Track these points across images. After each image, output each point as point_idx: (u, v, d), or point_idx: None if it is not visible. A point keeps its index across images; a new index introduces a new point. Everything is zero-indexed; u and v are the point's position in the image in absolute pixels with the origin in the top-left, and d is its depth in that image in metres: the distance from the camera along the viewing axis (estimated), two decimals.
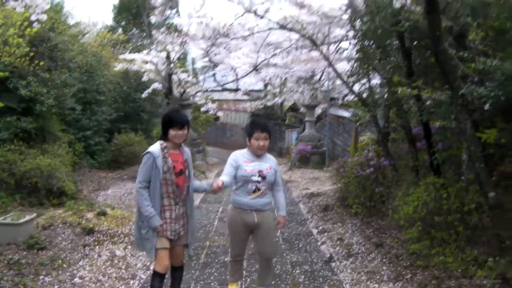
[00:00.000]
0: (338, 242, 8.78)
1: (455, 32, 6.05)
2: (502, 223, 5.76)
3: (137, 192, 5.24)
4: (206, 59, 24.89)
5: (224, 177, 5.49)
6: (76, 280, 6.83)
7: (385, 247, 8.03)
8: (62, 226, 8.95)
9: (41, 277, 6.81)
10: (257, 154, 5.72)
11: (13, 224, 7.98)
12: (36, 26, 9.14)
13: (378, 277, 6.86)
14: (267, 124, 5.85)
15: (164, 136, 5.35)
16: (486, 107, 5.38)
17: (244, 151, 5.80)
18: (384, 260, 7.50)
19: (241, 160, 5.67)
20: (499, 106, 5.63)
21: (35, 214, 8.62)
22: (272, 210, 5.94)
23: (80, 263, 7.51)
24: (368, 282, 6.71)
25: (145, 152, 5.28)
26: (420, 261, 6.84)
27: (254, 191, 5.64)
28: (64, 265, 7.33)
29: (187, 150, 5.62)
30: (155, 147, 5.27)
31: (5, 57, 9.88)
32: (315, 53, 16.99)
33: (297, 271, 7.34)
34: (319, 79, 23.68)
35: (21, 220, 8.06)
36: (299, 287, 6.72)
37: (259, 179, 5.62)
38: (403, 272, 6.81)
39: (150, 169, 5.17)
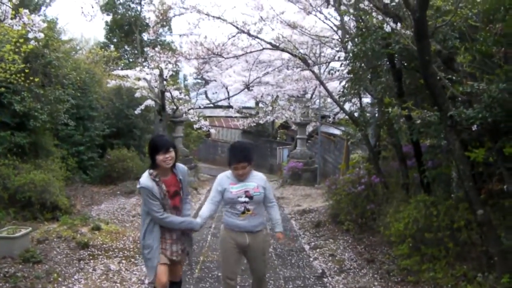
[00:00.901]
0: (330, 258, 8.91)
1: (444, 55, 6.23)
2: (490, 239, 5.90)
3: (165, 219, 5.24)
4: (198, 76, 25.12)
5: (206, 210, 5.54)
6: None
7: (376, 263, 8.18)
8: (57, 240, 9.02)
9: None
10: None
11: (9, 238, 8.06)
12: (32, 43, 9.29)
13: None
14: (245, 153, 5.56)
15: (154, 164, 5.28)
16: (474, 128, 5.55)
17: (229, 173, 5.67)
18: (376, 275, 7.64)
19: (226, 183, 5.57)
20: (487, 127, 5.80)
21: (30, 228, 8.70)
22: (265, 229, 5.84)
23: (76, 276, 7.59)
24: None
25: (139, 187, 5.24)
26: (410, 277, 7.00)
27: (244, 212, 5.53)
28: (60, 279, 7.42)
29: (181, 167, 5.61)
30: (146, 180, 5.21)
31: (0, 73, 9.99)
32: (306, 73, 17.22)
33: (289, 286, 7.46)
34: (311, 97, 23.91)
35: (17, 234, 8.14)
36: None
37: (247, 199, 5.50)
38: None
39: (155, 198, 5.15)
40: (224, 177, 5.65)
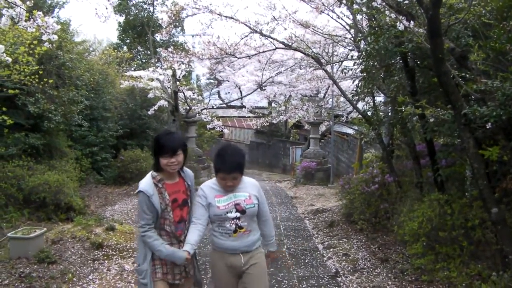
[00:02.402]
0: (344, 257, 8.89)
1: (457, 53, 6.19)
2: (505, 238, 5.86)
3: (144, 237, 4.33)
4: (211, 76, 25.19)
5: (193, 234, 4.41)
6: None
7: (390, 262, 8.15)
8: (71, 241, 9.08)
9: None
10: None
11: (24, 238, 8.10)
12: (46, 45, 9.35)
13: None
14: (238, 161, 4.47)
15: (157, 165, 4.43)
16: (488, 126, 5.52)
17: (213, 182, 4.61)
18: (390, 275, 7.62)
19: (210, 195, 4.49)
20: (501, 125, 5.77)
21: (45, 229, 8.76)
22: (262, 245, 4.85)
23: (90, 277, 7.63)
24: None
25: (138, 191, 4.36)
26: (424, 276, 6.96)
27: (235, 231, 4.48)
28: (74, 279, 7.46)
29: (189, 172, 4.73)
30: (147, 183, 4.35)
31: (14, 75, 10.06)
32: (319, 72, 17.24)
33: (303, 286, 7.44)
34: (324, 96, 23.93)
35: (32, 235, 8.19)
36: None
37: (238, 214, 4.45)
38: (408, 287, 6.93)
39: (151, 208, 4.28)
40: (208, 188, 4.57)
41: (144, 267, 4.37)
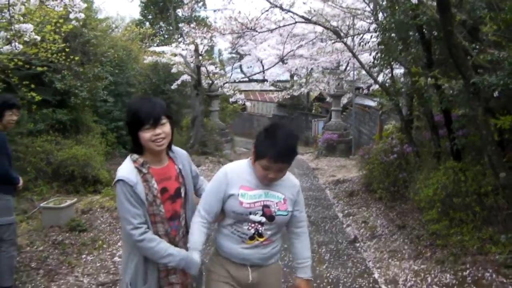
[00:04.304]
0: (363, 224, 9.20)
1: (469, 26, 6.38)
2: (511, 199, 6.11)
3: (142, 243, 3.14)
4: (233, 51, 25.40)
5: (198, 234, 3.31)
6: (116, 259, 7.30)
7: (407, 228, 8.42)
8: (100, 211, 9.49)
9: (84, 256, 7.35)
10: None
11: (56, 208, 8.51)
12: (72, 23, 9.65)
13: (399, 255, 7.28)
14: (291, 148, 3.21)
15: (136, 145, 3.24)
16: (495, 94, 5.72)
17: (244, 166, 3.42)
18: (406, 240, 7.90)
19: (235, 183, 3.31)
20: (509, 93, 5.98)
21: (75, 199, 9.17)
22: (278, 261, 3.67)
23: (119, 244, 7.97)
24: (390, 260, 7.13)
25: (116, 179, 3.18)
26: (439, 241, 7.22)
27: (253, 238, 3.33)
28: (104, 246, 7.85)
29: (180, 152, 3.57)
30: (127, 168, 3.19)
31: (42, 53, 10.37)
32: (339, 45, 17.36)
33: (323, 250, 7.77)
34: (345, 69, 24.04)
35: (63, 205, 8.59)
36: (325, 264, 7.14)
37: (263, 219, 3.29)
38: (423, 251, 7.21)
39: (137, 201, 3.14)
40: (234, 172, 3.38)
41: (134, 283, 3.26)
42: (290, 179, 3.47)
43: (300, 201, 3.51)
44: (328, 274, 6.56)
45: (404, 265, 6.81)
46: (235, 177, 3.31)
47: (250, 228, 3.29)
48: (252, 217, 3.26)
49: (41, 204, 8.74)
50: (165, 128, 3.18)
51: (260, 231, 3.31)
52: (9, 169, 5.61)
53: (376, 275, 6.62)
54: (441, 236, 7.29)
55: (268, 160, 3.13)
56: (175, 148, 3.50)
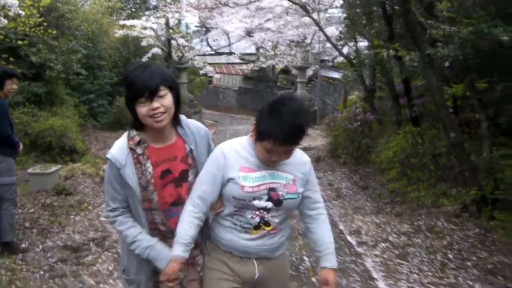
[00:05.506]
0: (329, 187, 9.94)
1: (425, 3, 7.05)
2: (462, 159, 6.84)
3: (112, 223, 2.93)
4: (199, 24, 25.72)
5: (187, 226, 2.77)
6: (102, 218, 7.83)
7: (369, 189, 9.22)
8: (82, 176, 9.99)
9: (72, 216, 7.87)
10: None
11: (43, 174, 9.02)
12: None
13: (362, 211, 8.06)
14: (299, 126, 2.64)
15: (137, 121, 2.73)
16: (447, 64, 6.43)
17: (244, 144, 2.87)
18: (369, 199, 8.69)
19: (234, 164, 2.79)
20: (459, 64, 6.69)
21: (60, 166, 9.68)
22: (286, 251, 3.17)
23: (103, 205, 8.50)
24: (354, 215, 7.88)
25: (107, 157, 2.81)
26: (398, 197, 8.04)
27: (258, 227, 2.81)
28: (90, 207, 8.38)
29: (196, 128, 2.97)
30: (118, 147, 2.79)
31: (20, 27, 10.67)
32: (306, 19, 17.84)
33: None
34: (310, 42, 24.57)
35: (49, 170, 9.11)
36: (295, 219, 7.78)
37: (269, 204, 2.76)
38: (384, 207, 8.02)
39: (121, 187, 2.78)
40: (232, 151, 2.84)
41: (136, 279, 2.96)
42: (299, 155, 2.91)
43: (313, 180, 2.97)
44: (298, 227, 7.15)
45: (367, 219, 7.57)
46: (232, 156, 2.79)
47: (254, 216, 2.77)
48: (256, 202, 2.73)
49: (29, 170, 9.23)
50: (165, 101, 2.66)
51: (266, 219, 2.78)
52: (11, 133, 6.12)
53: (342, 227, 7.35)
54: (400, 194, 8.08)
55: (272, 143, 2.62)
56: (191, 123, 2.97)
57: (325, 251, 2.97)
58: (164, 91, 2.66)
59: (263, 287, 2.97)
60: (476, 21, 6.03)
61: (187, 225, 2.77)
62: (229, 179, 2.75)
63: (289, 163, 2.81)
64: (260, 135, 2.68)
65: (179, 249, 2.73)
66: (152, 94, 2.61)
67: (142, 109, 2.62)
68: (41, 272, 5.71)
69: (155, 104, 2.62)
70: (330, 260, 2.95)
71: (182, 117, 2.92)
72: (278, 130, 2.58)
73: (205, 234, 2.99)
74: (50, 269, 5.81)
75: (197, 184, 2.83)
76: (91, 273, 5.79)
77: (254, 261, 2.88)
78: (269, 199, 2.74)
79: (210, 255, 2.98)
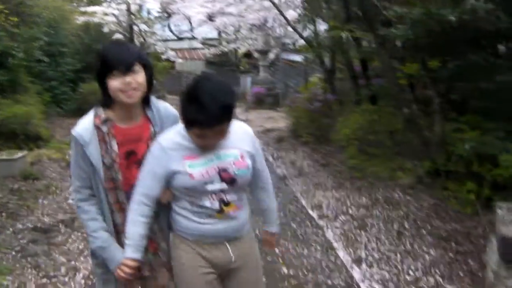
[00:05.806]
0: (291, 165, 10.23)
1: None
2: (414, 133, 7.22)
3: (78, 208, 2.86)
4: (160, 9, 25.70)
5: (135, 224, 2.71)
6: (70, 201, 7.96)
7: (330, 166, 9.55)
8: (48, 162, 10.13)
9: (40, 200, 8.03)
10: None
11: (10, 160, 9.13)
12: None
13: (323, 187, 8.40)
14: (224, 105, 2.54)
15: (105, 96, 2.72)
16: (398, 44, 6.76)
17: (182, 133, 2.72)
18: (329, 176, 9.00)
19: (176, 156, 2.70)
20: (411, 44, 7.02)
21: (26, 152, 9.79)
22: (251, 229, 3.08)
23: (71, 189, 8.71)
24: (315, 191, 8.22)
25: (72, 134, 2.80)
26: (357, 173, 8.41)
27: (221, 210, 2.75)
28: (57, 191, 8.53)
29: (164, 111, 2.96)
30: (84, 124, 2.79)
31: None
32: (267, 3, 18.00)
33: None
34: (272, 26, 24.77)
35: (16, 156, 9.23)
36: None
37: (223, 186, 2.71)
38: (344, 183, 8.37)
39: (86, 165, 2.75)
40: (171, 143, 2.73)
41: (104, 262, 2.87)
42: (240, 128, 2.87)
43: (259, 150, 2.96)
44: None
45: (327, 194, 7.92)
46: (172, 148, 2.70)
47: (212, 200, 2.71)
48: (209, 187, 2.67)
49: None
50: (138, 77, 2.64)
51: (226, 200, 2.73)
52: None
53: (303, 202, 7.69)
54: (359, 169, 8.44)
55: (199, 128, 2.54)
56: (162, 105, 2.97)
57: (271, 219, 3.19)
58: (138, 67, 2.65)
59: (241, 271, 2.92)
60: (428, 2, 6.35)
61: (133, 224, 2.72)
62: (175, 172, 2.67)
63: (231, 139, 2.75)
64: (186, 124, 2.62)
65: (129, 250, 2.69)
66: (127, 69, 2.60)
67: (114, 82, 2.60)
68: (13, 253, 5.89)
69: (128, 78, 2.60)
70: (274, 225, 3.21)
71: (153, 98, 2.90)
72: (200, 115, 2.49)
73: (162, 219, 2.92)
74: (22, 249, 6.00)
75: (139, 181, 2.74)
76: (62, 252, 6.01)
77: (227, 244, 2.83)
78: (222, 180, 2.69)
79: (179, 248, 2.85)
